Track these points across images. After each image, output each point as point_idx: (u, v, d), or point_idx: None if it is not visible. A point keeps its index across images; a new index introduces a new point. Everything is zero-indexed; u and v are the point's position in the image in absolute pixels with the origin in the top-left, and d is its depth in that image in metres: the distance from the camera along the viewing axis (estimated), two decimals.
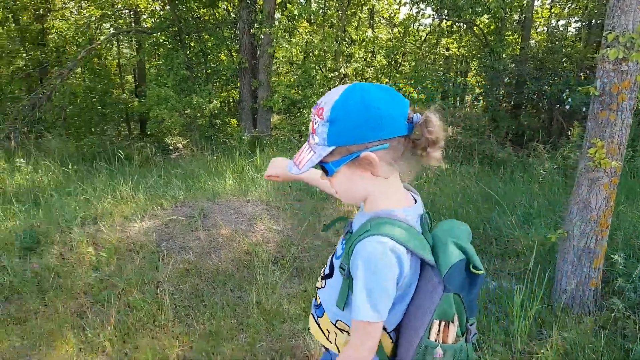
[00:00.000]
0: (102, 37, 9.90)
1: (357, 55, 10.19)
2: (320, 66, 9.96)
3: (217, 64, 11.04)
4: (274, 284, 3.72)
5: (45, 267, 3.48)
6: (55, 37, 11.57)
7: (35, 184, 6.47)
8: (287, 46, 8.76)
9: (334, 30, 9.57)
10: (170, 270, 3.69)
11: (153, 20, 12.31)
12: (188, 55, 10.30)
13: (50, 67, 12.17)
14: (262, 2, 10.47)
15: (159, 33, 10.41)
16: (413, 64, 11.19)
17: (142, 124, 13.41)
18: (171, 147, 12.41)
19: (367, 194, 1.17)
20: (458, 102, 11.46)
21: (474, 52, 10.81)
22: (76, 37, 11.57)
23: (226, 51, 11.23)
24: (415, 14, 10.63)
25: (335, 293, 1.19)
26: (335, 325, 1.24)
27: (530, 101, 10.36)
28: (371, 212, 1.16)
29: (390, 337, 1.22)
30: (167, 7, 10.26)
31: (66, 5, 11.44)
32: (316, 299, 1.33)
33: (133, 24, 13.05)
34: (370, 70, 10.80)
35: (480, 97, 10.57)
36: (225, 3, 10.83)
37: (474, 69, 12.02)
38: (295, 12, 9.02)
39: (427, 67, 10.93)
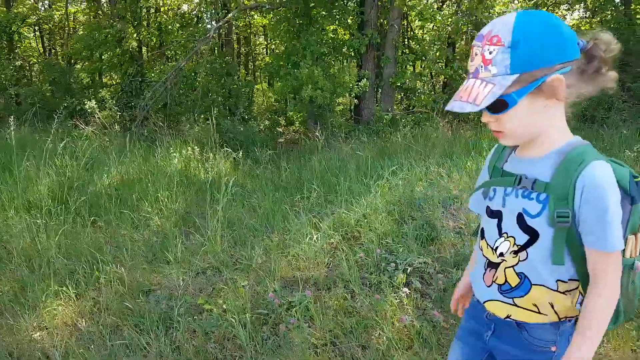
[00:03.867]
0: (230, 14, 9.15)
1: None
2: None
3: (338, 41, 10.37)
4: None
5: None
6: (164, 17, 10.81)
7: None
8: (439, 18, 8.09)
9: None
10: None
11: None
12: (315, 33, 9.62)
13: (151, 49, 11.42)
14: None
15: (282, 8, 9.72)
16: None
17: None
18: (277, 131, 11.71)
19: (544, 129, 1.10)
20: None
21: None
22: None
23: (341, 27, 10.58)
24: None
25: (547, 255, 1.10)
26: (555, 290, 1.13)
27: None
28: (555, 148, 1.10)
29: None
30: None
31: None
32: (507, 282, 1.18)
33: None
34: None
35: None
36: None
37: None
38: None
39: None
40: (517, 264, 1.16)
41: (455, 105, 1.06)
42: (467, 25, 9.51)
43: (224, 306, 2.63)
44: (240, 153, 6.79)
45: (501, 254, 1.18)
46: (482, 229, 1.27)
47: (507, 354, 1.25)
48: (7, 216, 3.61)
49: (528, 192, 1.12)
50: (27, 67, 12.45)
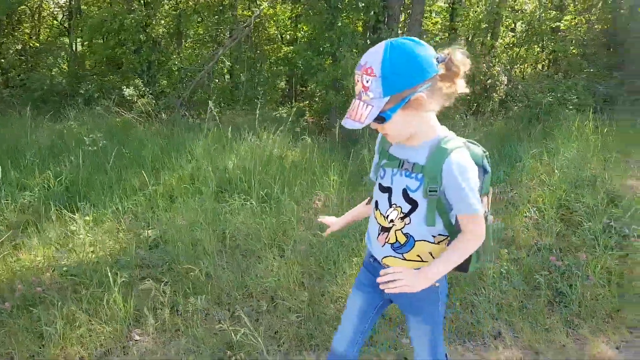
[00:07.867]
0: (265, 4, 9.24)
1: None
2: None
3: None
4: None
5: None
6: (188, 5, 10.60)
7: None
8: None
9: None
10: None
11: None
12: None
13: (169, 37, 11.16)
14: None
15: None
16: None
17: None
18: None
19: (418, 129, 1.42)
20: None
21: None
22: None
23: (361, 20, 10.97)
24: None
25: (424, 219, 1.45)
26: (432, 243, 1.49)
27: None
28: (427, 140, 1.44)
29: None
30: None
31: None
32: (397, 241, 1.52)
33: None
34: None
35: None
36: None
37: None
38: None
39: None
40: (403, 227, 1.51)
41: (347, 122, 1.39)
42: (486, 22, 10.29)
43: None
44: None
45: (392, 221, 1.52)
46: (376, 202, 1.59)
47: (403, 297, 1.57)
48: (225, 199, 3.75)
49: (409, 173, 1.46)
50: (28, 51, 11.63)
